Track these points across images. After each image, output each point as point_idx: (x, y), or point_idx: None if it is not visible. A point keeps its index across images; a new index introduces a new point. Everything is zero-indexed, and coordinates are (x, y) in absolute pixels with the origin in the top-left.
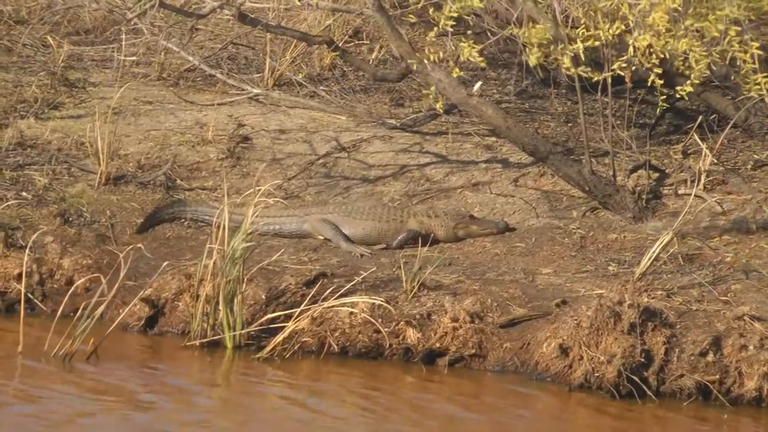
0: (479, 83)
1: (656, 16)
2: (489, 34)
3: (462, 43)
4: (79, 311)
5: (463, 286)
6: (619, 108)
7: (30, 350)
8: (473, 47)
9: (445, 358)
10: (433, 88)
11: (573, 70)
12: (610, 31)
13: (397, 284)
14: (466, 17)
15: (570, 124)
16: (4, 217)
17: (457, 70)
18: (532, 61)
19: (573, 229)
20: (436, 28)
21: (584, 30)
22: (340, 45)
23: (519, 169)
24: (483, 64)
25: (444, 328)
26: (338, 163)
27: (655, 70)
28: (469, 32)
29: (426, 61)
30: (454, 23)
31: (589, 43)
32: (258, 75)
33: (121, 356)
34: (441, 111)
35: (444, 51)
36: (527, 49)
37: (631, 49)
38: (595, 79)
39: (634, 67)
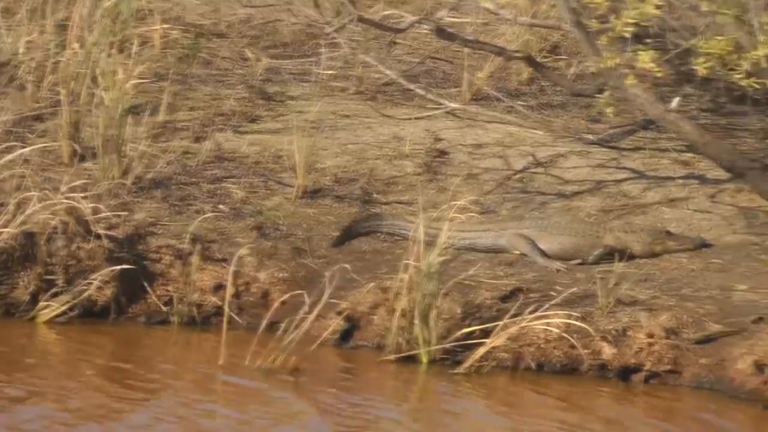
0: (677, 99)
1: None
2: (672, 47)
3: (641, 53)
4: (284, 326)
5: (658, 301)
6: None
7: (230, 364)
8: (651, 56)
9: (640, 374)
10: (607, 93)
11: (745, 81)
12: None
13: (592, 300)
14: (644, 25)
15: None
16: (201, 230)
17: (631, 77)
18: (701, 71)
19: None
20: (610, 33)
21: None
22: (537, 60)
23: (716, 185)
24: (659, 74)
25: (639, 344)
26: (534, 178)
27: None
28: (649, 40)
29: (624, 79)
30: (636, 33)
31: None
32: (455, 89)
33: (319, 371)
34: (612, 115)
35: (631, 65)
36: (699, 60)
37: None
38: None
39: None
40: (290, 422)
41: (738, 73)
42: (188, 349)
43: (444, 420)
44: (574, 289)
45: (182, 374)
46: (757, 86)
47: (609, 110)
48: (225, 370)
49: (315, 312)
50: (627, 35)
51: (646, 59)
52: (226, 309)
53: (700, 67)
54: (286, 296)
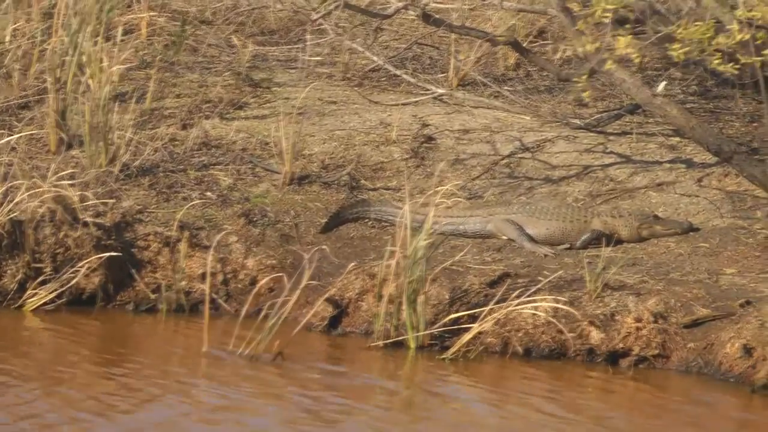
0: (664, 83)
1: None
2: (653, 32)
3: (619, 38)
4: (264, 311)
5: (646, 286)
6: None
7: (215, 350)
8: (627, 41)
9: (628, 359)
10: (585, 78)
11: (723, 66)
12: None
13: (580, 284)
14: (623, 11)
15: (755, 124)
16: (188, 217)
17: (610, 62)
18: (678, 57)
19: (757, 229)
20: (589, 18)
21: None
22: (524, 45)
23: (703, 169)
24: (637, 59)
25: (627, 329)
26: (522, 164)
27: None
28: (628, 26)
29: (610, 62)
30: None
31: (742, 36)
32: (442, 75)
33: (306, 357)
34: (588, 100)
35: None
36: (675, 46)
37: None
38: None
39: None
40: (269, 407)
41: (717, 59)
42: (175, 336)
43: (431, 405)
44: (562, 274)
45: (166, 360)
46: (736, 71)
47: (585, 95)
48: (208, 356)
49: (296, 295)
50: (606, 20)
51: (623, 44)
52: (208, 295)
53: (676, 54)
54: (264, 281)
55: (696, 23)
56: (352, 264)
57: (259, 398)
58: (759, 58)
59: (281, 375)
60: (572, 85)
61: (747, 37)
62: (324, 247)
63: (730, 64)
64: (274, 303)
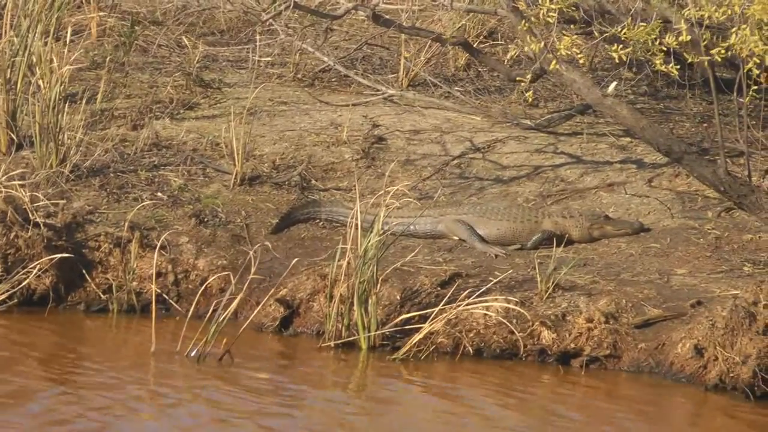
0: (614, 83)
1: (756, 8)
2: (597, 33)
3: (565, 36)
4: (214, 311)
5: (597, 286)
6: (754, 108)
7: (163, 351)
8: (569, 41)
9: (579, 359)
10: (529, 77)
11: (663, 68)
12: (717, 14)
13: (531, 285)
14: (571, 11)
15: (705, 125)
16: (139, 218)
17: (554, 63)
18: (618, 57)
19: (708, 229)
20: (533, 19)
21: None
22: (474, 45)
23: (654, 169)
24: (583, 60)
25: (579, 329)
26: (472, 164)
27: None
28: (573, 26)
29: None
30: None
31: (682, 38)
32: (393, 75)
33: (256, 357)
34: (530, 99)
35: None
36: (614, 47)
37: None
38: (693, 61)
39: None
40: (209, 407)
41: (659, 59)
42: (125, 337)
43: (378, 406)
44: (513, 275)
45: (115, 361)
46: (676, 72)
47: (528, 95)
48: (156, 356)
49: (241, 294)
50: (551, 20)
51: (565, 44)
52: (154, 294)
53: (616, 54)
54: (211, 279)
55: (641, 24)
56: (296, 260)
57: (200, 398)
58: (706, 57)
59: (226, 375)
60: (528, 85)
61: (688, 39)
62: (267, 243)
63: (672, 65)
64: (220, 302)
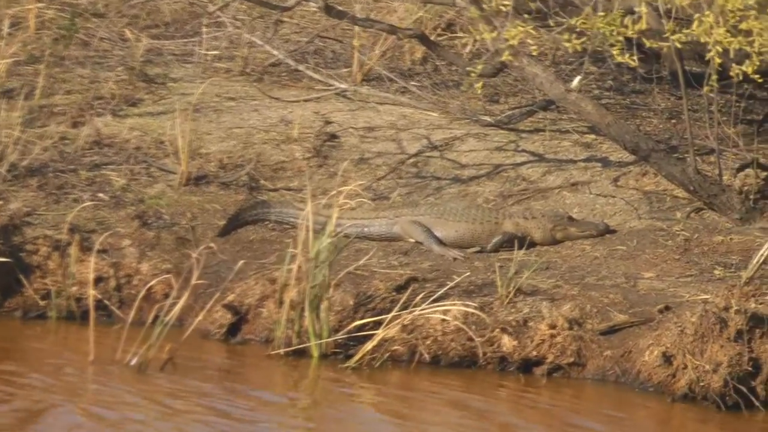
0: (578, 78)
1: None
2: (554, 24)
3: (519, 26)
4: (151, 317)
5: (561, 291)
6: (725, 104)
7: (102, 359)
8: (527, 31)
9: (542, 367)
10: (480, 68)
11: (621, 58)
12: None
13: (491, 289)
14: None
15: (673, 121)
16: (79, 220)
17: (506, 54)
18: (572, 47)
19: (677, 230)
20: (485, 7)
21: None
22: (432, 38)
23: (620, 168)
24: (535, 52)
25: (541, 336)
26: (429, 163)
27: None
28: (527, 16)
29: (523, 55)
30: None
31: (639, 26)
32: (346, 70)
33: (201, 365)
34: (480, 92)
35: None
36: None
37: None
38: (652, 46)
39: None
40: (149, 418)
41: (616, 49)
42: (63, 345)
43: (333, 414)
44: (472, 278)
45: (52, 371)
46: (634, 62)
47: (478, 86)
48: (95, 366)
49: (184, 299)
50: (504, 9)
51: (513, 34)
52: (92, 300)
53: (570, 46)
54: (152, 283)
55: (601, 14)
56: (242, 262)
57: (139, 408)
58: (666, 44)
59: (167, 384)
60: (488, 80)
61: (645, 26)
62: (212, 245)
63: (632, 54)
64: (162, 307)
